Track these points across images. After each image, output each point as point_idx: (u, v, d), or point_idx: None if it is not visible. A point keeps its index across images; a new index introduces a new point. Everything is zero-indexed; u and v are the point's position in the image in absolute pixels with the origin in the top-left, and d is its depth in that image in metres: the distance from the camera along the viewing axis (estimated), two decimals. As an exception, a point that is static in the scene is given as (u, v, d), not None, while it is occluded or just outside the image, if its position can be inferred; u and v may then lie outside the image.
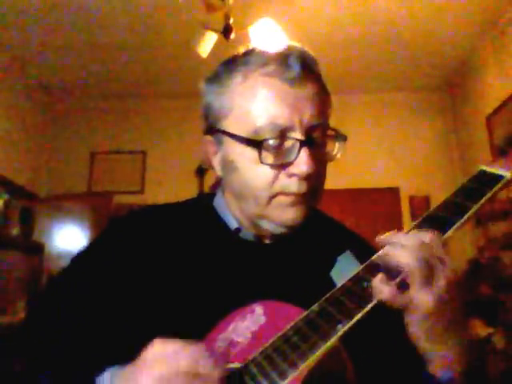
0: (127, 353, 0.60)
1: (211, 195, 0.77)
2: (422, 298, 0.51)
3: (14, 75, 3.96)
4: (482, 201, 0.59)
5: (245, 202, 0.66)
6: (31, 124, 4.31)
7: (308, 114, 0.62)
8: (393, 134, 4.49)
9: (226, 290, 0.63)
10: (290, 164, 0.62)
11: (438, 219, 0.58)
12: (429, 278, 0.51)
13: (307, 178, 0.62)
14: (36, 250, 3.62)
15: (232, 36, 2.76)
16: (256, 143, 0.61)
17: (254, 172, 0.63)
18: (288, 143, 0.62)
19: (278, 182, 0.63)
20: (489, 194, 0.60)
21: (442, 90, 4.56)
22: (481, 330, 2.76)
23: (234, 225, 0.71)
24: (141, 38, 3.59)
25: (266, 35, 2.68)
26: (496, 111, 3.53)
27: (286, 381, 0.45)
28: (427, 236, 0.53)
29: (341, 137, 0.67)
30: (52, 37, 3.56)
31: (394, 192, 4.36)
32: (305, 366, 0.46)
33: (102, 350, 0.59)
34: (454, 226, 0.56)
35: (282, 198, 0.63)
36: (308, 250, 0.70)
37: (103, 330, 0.63)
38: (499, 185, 0.61)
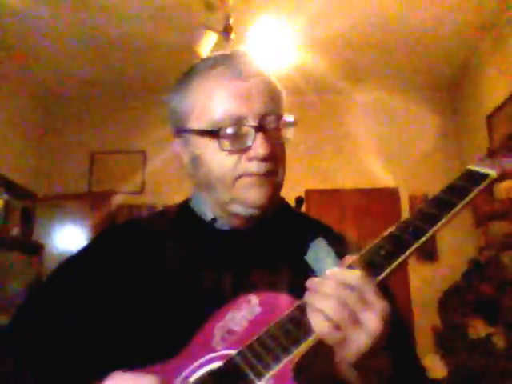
0: (122, 350, 0.62)
1: (190, 197, 0.84)
2: (340, 355, 0.51)
3: (14, 75, 3.96)
4: (468, 198, 0.61)
5: (214, 190, 0.73)
6: (31, 124, 4.31)
7: (259, 103, 0.70)
8: (392, 133, 4.48)
9: (209, 278, 0.69)
10: (248, 149, 0.69)
11: (424, 216, 0.61)
12: (344, 338, 0.49)
13: (265, 159, 0.69)
14: (36, 250, 3.62)
15: (232, 36, 2.77)
16: (214, 133, 0.70)
17: (218, 159, 0.70)
18: (244, 130, 0.70)
19: (239, 166, 0.70)
20: (475, 192, 0.62)
21: (442, 90, 4.56)
22: (481, 329, 2.77)
23: (209, 216, 0.77)
24: (141, 37, 3.60)
25: (266, 35, 2.68)
26: (496, 111, 3.53)
27: (280, 365, 0.50)
28: (354, 277, 0.51)
29: (290, 123, 0.75)
30: (52, 37, 3.56)
31: (393, 192, 4.36)
32: (297, 352, 0.50)
33: (89, 357, 0.63)
34: (441, 222, 0.59)
35: (245, 179, 0.70)
36: (282, 237, 0.76)
37: (90, 333, 0.66)
38: (485, 183, 0.63)
